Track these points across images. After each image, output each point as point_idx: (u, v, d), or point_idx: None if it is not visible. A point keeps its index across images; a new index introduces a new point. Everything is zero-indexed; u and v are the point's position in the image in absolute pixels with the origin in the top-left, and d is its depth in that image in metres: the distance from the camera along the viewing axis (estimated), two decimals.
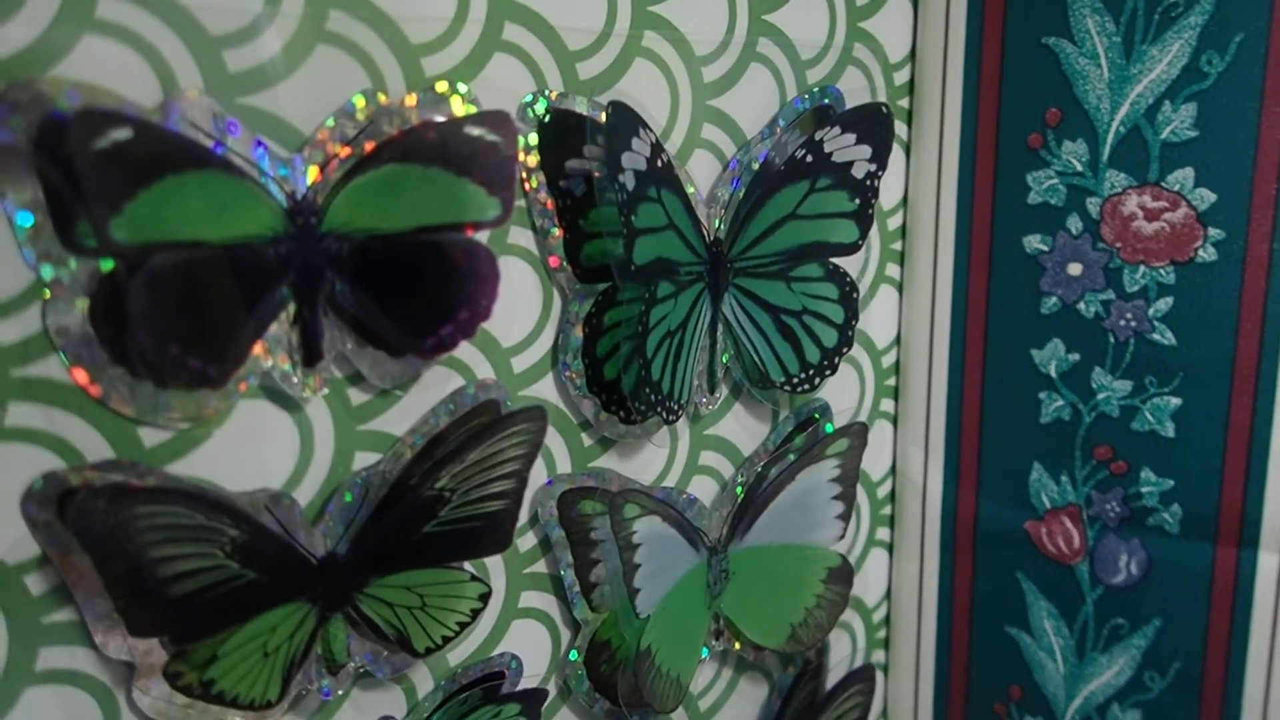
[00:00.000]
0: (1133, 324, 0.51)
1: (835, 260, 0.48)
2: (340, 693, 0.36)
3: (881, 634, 0.60)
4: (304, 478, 0.34)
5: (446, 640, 0.37)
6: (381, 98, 0.34)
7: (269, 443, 0.34)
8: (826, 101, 0.49)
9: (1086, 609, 0.55)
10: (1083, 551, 0.54)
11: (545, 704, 0.41)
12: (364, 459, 0.36)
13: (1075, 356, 0.52)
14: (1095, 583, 0.54)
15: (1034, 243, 0.52)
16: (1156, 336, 0.50)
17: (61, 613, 0.30)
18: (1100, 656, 0.55)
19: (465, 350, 0.38)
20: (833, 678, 0.56)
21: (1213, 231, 0.48)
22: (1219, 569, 0.51)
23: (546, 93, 0.39)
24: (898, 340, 0.57)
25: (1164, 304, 0.50)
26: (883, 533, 0.59)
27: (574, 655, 0.44)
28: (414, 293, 0.34)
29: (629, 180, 0.39)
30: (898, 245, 0.55)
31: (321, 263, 0.33)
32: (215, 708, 0.32)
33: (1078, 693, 0.56)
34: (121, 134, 0.27)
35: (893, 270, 0.55)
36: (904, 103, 0.54)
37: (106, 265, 0.29)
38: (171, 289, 0.29)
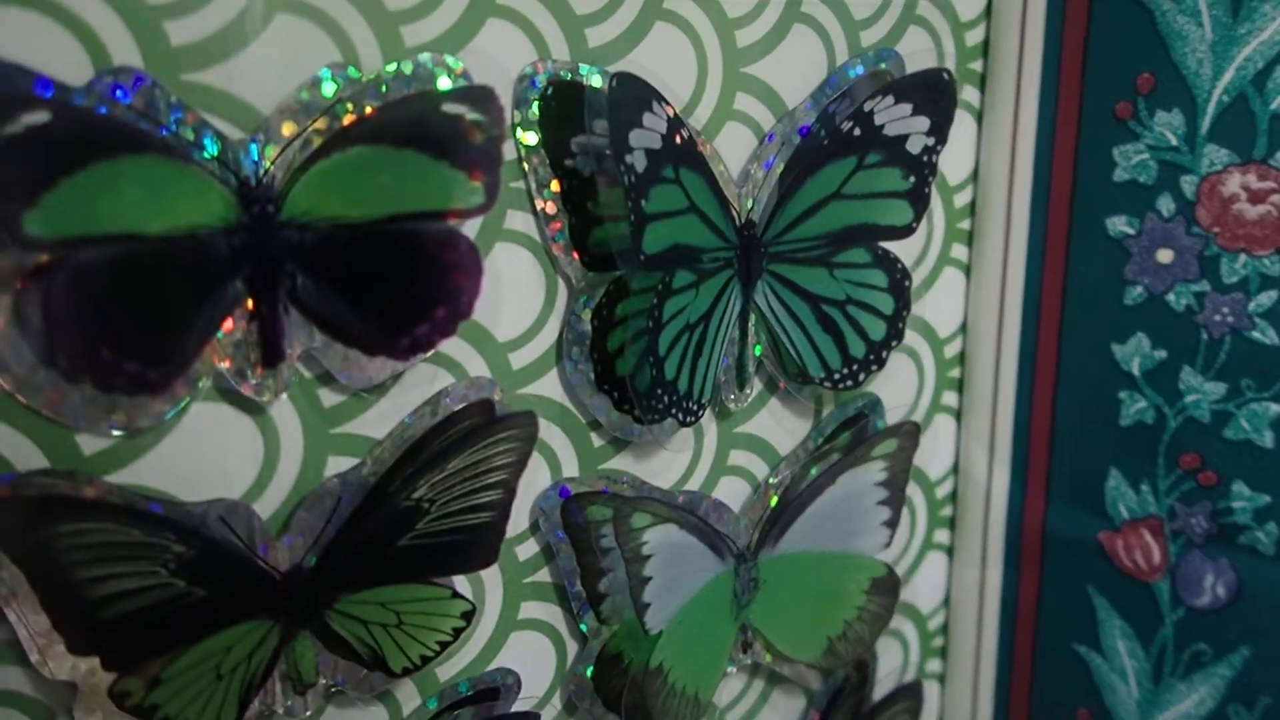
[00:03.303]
0: (1229, 319, 0.45)
1: (886, 244, 0.43)
2: (309, 713, 0.33)
3: (938, 643, 0.56)
4: (269, 485, 0.32)
5: (426, 660, 0.34)
6: (353, 72, 0.31)
7: (228, 448, 0.31)
8: (883, 67, 0.44)
9: (1165, 631, 0.50)
10: (1163, 568, 0.49)
11: (541, 712, 0.38)
12: (338, 464, 0.33)
13: (1162, 354, 0.46)
14: (1176, 603, 0.49)
15: (1119, 225, 0.46)
16: (1257, 334, 0.44)
17: None
18: (1179, 684, 0.50)
19: (455, 346, 0.35)
20: (882, 689, 0.52)
21: None
22: None
23: (550, 63, 0.35)
24: (963, 329, 0.52)
25: (1267, 298, 0.44)
26: (941, 535, 0.54)
27: (580, 670, 0.41)
28: (385, 288, 0.31)
29: (638, 161, 0.35)
30: (965, 224, 0.50)
31: (281, 254, 0.30)
32: None
33: None
34: (36, 118, 0.25)
35: (959, 252, 0.50)
36: (976, 65, 0.48)
37: (32, 259, 0.27)
38: (100, 287, 0.26)
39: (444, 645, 0.35)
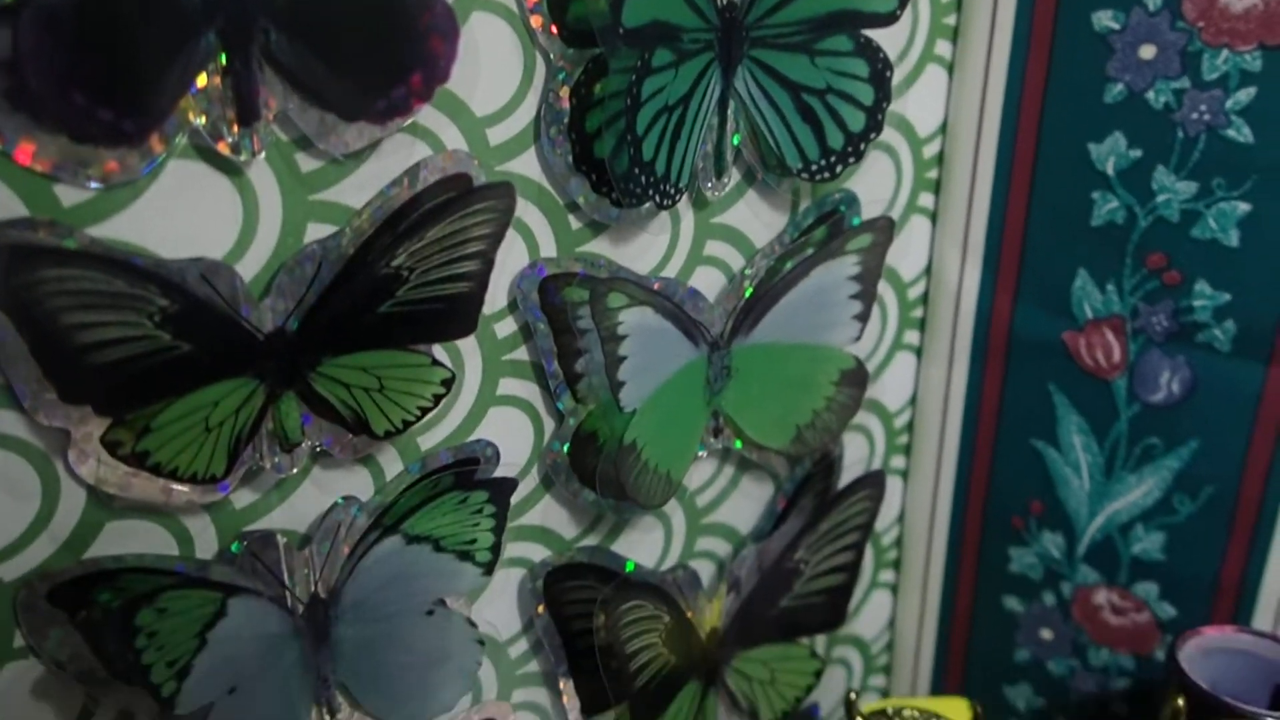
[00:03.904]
0: (1206, 117, 0.45)
1: (868, 33, 0.43)
2: (295, 470, 0.35)
3: (903, 440, 0.58)
4: (249, 249, 0.32)
5: (407, 424, 0.36)
6: None
7: (207, 209, 0.31)
8: None
9: (1120, 426, 0.52)
10: (1122, 366, 0.51)
11: (515, 493, 0.40)
12: (318, 231, 0.34)
13: (1137, 153, 0.47)
14: (1132, 399, 0.51)
15: (1104, 19, 0.46)
16: (1232, 132, 0.45)
17: None
18: (1129, 475, 0.52)
19: (431, 117, 0.35)
20: (845, 480, 0.54)
21: None
22: (1269, 391, 0.48)
23: None
24: (943, 129, 0.52)
25: (1245, 95, 0.44)
26: (911, 336, 0.55)
27: (556, 446, 0.42)
28: (360, 49, 0.31)
29: None
30: (951, 19, 0.49)
31: (253, 8, 0.29)
32: (160, 479, 0.32)
33: (1101, 511, 0.53)
34: None
35: (943, 48, 0.50)
36: None
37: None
38: (71, 28, 0.26)
39: (425, 411, 0.36)
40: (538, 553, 0.44)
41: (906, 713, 0.50)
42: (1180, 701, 0.44)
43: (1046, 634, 0.58)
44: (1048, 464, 0.54)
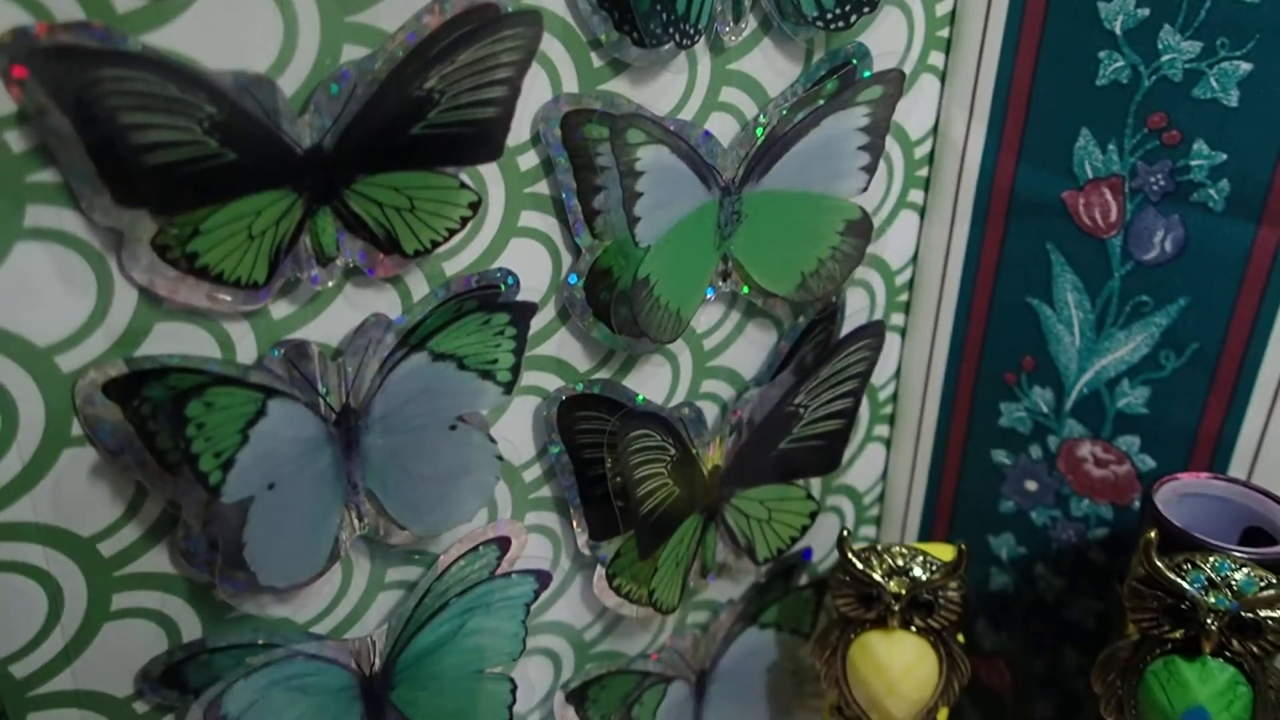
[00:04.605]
0: None
1: None
2: (331, 284, 0.37)
3: (903, 298, 0.60)
4: (288, 66, 0.34)
5: (435, 245, 0.38)
6: None
7: (251, 24, 0.33)
8: None
9: (1113, 284, 0.54)
10: (1118, 225, 0.52)
11: (535, 318, 0.42)
12: (353, 52, 0.35)
13: (1145, 11, 0.48)
14: (1126, 258, 0.53)
15: None
16: None
17: (45, 173, 0.31)
18: (1119, 332, 0.54)
19: None
20: (844, 332, 0.56)
21: None
22: (1257, 250, 0.49)
23: None
24: None
25: None
26: (915, 195, 0.57)
27: (574, 279, 0.44)
28: None
29: None
30: None
31: None
32: (205, 284, 0.34)
33: (1089, 366, 0.56)
34: None
35: None
36: None
37: None
38: None
39: (452, 233, 0.38)
40: (552, 383, 0.47)
41: (895, 549, 0.53)
42: (1152, 534, 0.46)
43: (1031, 485, 0.61)
44: (1041, 321, 0.56)
